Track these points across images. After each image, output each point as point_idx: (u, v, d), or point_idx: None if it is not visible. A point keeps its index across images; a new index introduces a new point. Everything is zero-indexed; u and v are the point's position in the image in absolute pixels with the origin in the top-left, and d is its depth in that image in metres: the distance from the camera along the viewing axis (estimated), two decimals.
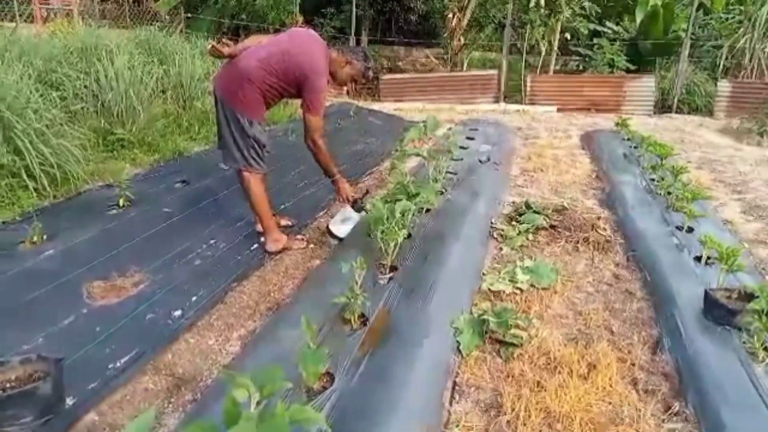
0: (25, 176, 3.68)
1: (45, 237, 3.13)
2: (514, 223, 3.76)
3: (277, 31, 10.08)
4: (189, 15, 9.67)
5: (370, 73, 3.30)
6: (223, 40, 3.08)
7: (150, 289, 2.72)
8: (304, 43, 3.06)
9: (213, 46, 2.97)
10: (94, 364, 2.14)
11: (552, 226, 3.72)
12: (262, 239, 3.33)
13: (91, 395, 1.99)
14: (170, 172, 4.66)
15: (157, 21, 8.86)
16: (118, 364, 2.15)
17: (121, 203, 3.71)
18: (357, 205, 3.45)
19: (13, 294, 2.56)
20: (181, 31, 8.73)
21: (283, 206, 3.90)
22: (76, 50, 5.39)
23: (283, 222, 3.60)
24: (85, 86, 5.02)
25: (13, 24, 6.51)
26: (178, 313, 2.55)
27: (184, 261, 3.05)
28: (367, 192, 3.84)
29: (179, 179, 4.41)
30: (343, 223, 3.45)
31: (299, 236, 3.52)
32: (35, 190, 3.71)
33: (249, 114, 3.01)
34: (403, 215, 2.94)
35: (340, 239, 3.41)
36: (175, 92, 6.15)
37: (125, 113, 5.09)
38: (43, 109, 4.08)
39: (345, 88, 9.54)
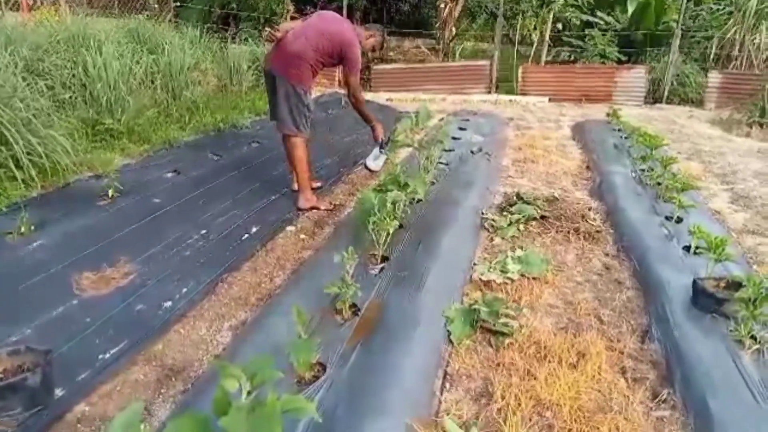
0: (12, 166, 3.63)
1: (33, 228, 3.10)
2: (505, 213, 3.77)
3: (267, 20, 10.03)
4: (178, 4, 9.53)
5: (385, 44, 4.18)
6: (274, 26, 3.65)
7: (140, 280, 2.70)
8: (336, 22, 3.74)
9: (270, 32, 3.57)
10: (83, 355, 2.13)
11: (543, 217, 3.74)
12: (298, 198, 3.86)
13: (80, 386, 1.98)
14: (160, 162, 4.62)
15: (146, 10, 8.73)
16: (108, 355, 2.14)
17: (110, 194, 3.68)
18: (388, 143, 4.12)
19: (1, 285, 2.54)
20: (170, 20, 8.62)
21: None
22: (64, 39, 5.31)
23: (314, 184, 4.16)
24: (73, 76, 4.96)
25: None
26: (168, 303, 2.54)
27: (175, 251, 3.04)
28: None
29: (169, 169, 4.38)
30: (376, 159, 4.09)
31: (327, 199, 4.07)
32: (23, 180, 3.66)
33: (304, 85, 3.65)
34: (394, 206, 2.94)
35: (377, 172, 4.14)
36: (164, 82, 6.08)
37: (114, 103, 5.03)
38: (30, 98, 4.02)
39: (337, 78, 9.60)
